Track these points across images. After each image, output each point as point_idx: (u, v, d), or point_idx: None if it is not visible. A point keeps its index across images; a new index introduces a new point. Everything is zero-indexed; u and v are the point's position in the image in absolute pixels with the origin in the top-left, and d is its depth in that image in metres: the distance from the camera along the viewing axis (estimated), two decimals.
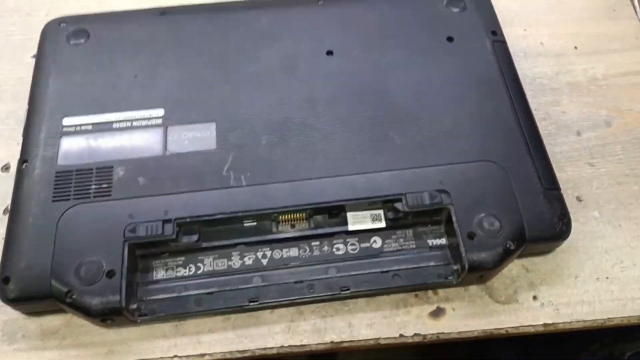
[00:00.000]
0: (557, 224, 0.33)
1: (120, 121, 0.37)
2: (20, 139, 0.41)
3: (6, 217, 0.37)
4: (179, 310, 0.33)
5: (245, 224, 0.35)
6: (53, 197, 0.34)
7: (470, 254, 0.32)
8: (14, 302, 0.32)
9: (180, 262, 0.34)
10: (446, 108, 0.37)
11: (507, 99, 0.38)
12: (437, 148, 0.36)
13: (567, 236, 0.33)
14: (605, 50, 0.44)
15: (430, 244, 0.34)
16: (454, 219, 0.33)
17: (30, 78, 0.44)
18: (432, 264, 0.34)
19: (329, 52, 0.40)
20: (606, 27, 0.46)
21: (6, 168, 0.40)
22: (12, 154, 0.41)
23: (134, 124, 0.37)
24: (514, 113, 0.37)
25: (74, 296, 0.31)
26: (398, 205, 0.34)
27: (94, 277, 0.32)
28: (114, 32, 0.42)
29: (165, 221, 0.33)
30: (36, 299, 0.32)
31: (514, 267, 0.35)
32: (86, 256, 0.32)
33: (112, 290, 0.31)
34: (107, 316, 0.32)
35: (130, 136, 0.37)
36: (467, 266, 0.32)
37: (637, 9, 0.46)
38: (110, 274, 0.32)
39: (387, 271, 0.34)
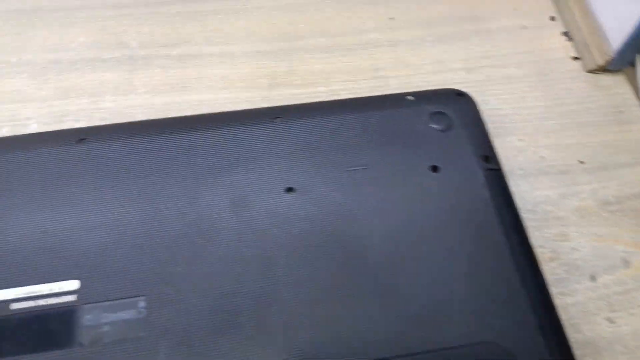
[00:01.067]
0: None
1: (21, 299, 0.31)
2: None
3: None
4: None
5: None
6: None
7: None
8: None
9: None
10: (433, 268, 0.32)
11: (506, 250, 0.32)
12: (425, 326, 0.30)
13: None
14: (614, 165, 0.40)
15: None
16: None
17: None
18: None
19: (290, 189, 0.35)
20: (613, 134, 0.41)
21: None
22: None
23: (41, 302, 0.31)
24: (516, 268, 0.32)
25: None
26: None
27: None
28: (18, 167, 0.35)
29: None
30: None
31: None
32: None
33: None
34: None
35: (34, 322, 0.30)
36: None
37: None
38: None
39: None
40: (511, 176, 0.39)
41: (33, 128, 0.42)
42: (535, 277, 0.32)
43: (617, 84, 0.44)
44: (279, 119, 0.38)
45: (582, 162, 0.40)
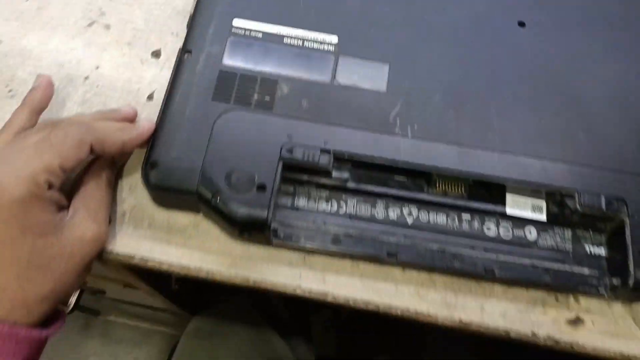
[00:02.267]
0: None
1: (292, 37, 0.37)
2: (174, 29, 0.42)
3: (150, 103, 0.38)
4: (314, 243, 0.33)
5: (396, 177, 0.35)
6: (213, 95, 0.35)
7: (637, 270, 0.31)
8: (155, 188, 0.33)
9: (324, 196, 0.35)
10: None
11: None
12: (623, 155, 0.34)
13: None
14: None
15: (588, 251, 0.34)
16: (626, 231, 0.32)
17: None
18: (585, 270, 0.33)
19: (521, 23, 0.39)
20: None
21: (156, 54, 0.41)
22: (164, 42, 0.41)
23: (306, 44, 0.37)
24: None
25: (220, 200, 0.32)
26: (568, 201, 0.33)
27: (245, 187, 0.32)
28: None
29: (323, 150, 0.33)
30: (178, 192, 0.33)
31: None
32: (238, 164, 0.33)
33: (261, 204, 0.32)
34: (249, 228, 0.32)
35: (300, 55, 0.36)
36: (631, 283, 0.31)
37: None
38: (261, 188, 0.32)
39: (534, 265, 0.33)
40: None
41: None
42: None
43: None
44: None
45: None
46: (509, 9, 0.39)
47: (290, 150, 0.33)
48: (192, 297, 0.60)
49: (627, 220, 0.32)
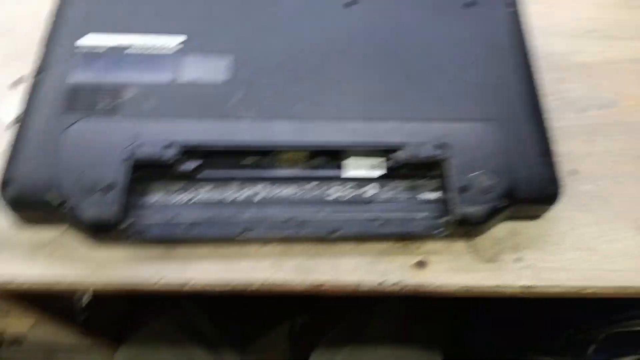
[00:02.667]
0: (548, 188, 0.35)
1: (134, 46, 0.39)
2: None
3: (11, 132, 0.40)
4: (171, 233, 0.35)
5: (244, 160, 0.37)
6: (61, 109, 0.36)
7: (461, 206, 0.34)
8: (12, 204, 0.34)
9: (177, 188, 0.36)
10: (456, 69, 0.39)
11: (516, 69, 0.39)
12: (443, 105, 0.38)
13: (556, 200, 0.35)
14: (619, 37, 0.46)
15: (423, 198, 0.36)
16: (450, 172, 0.35)
17: None
18: (422, 215, 0.36)
19: (346, 4, 0.42)
20: (624, 15, 0.47)
21: (18, 83, 0.42)
22: (27, 70, 0.42)
23: (148, 50, 0.39)
24: (521, 82, 0.39)
25: (69, 206, 0.33)
26: (398, 154, 0.36)
27: (91, 189, 0.33)
28: None
29: (167, 146, 0.35)
30: (33, 206, 0.34)
31: (502, 229, 0.37)
32: (86, 169, 0.34)
33: (107, 204, 0.33)
34: (99, 229, 0.33)
35: (142, 61, 0.39)
36: (456, 218, 0.33)
37: None
38: (107, 188, 0.34)
39: (376, 218, 0.35)
40: (531, 32, 0.45)
41: None
42: (532, 88, 0.39)
43: None
44: None
45: (592, 31, 0.46)
46: None
47: (135, 150, 0.35)
48: (110, 324, 0.60)
49: (449, 162, 0.35)
